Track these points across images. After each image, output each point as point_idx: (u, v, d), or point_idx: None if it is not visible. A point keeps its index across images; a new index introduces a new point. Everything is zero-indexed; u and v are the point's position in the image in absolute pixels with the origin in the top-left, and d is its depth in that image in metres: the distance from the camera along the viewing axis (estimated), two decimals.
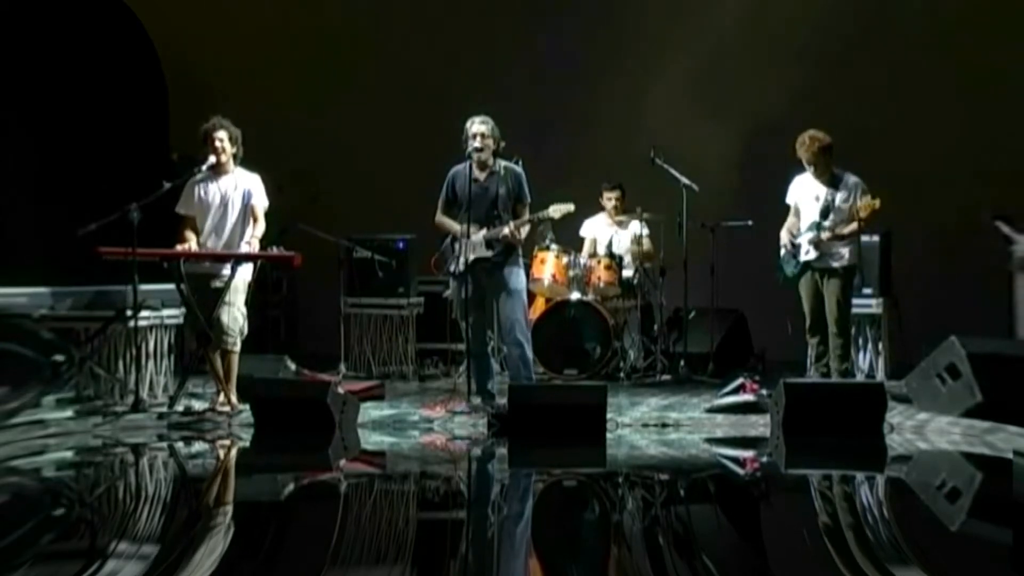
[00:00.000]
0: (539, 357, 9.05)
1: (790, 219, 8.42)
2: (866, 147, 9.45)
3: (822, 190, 8.27)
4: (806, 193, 8.34)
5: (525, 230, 7.86)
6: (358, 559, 5.03)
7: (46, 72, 10.10)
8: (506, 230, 7.69)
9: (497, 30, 11.14)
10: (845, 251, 8.21)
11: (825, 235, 8.19)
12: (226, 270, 7.74)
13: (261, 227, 7.87)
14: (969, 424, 7.43)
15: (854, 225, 8.12)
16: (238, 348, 7.83)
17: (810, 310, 8.36)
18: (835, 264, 8.24)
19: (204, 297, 7.76)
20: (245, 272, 7.82)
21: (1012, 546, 5.17)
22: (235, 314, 7.76)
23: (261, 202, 7.90)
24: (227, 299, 7.72)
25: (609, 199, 9.84)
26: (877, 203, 8.04)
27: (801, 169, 8.34)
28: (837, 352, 8.26)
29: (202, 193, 7.88)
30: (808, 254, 8.28)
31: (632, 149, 9.88)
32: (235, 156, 7.92)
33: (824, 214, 8.22)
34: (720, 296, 9.38)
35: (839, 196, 8.22)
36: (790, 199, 8.43)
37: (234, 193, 7.86)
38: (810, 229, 8.27)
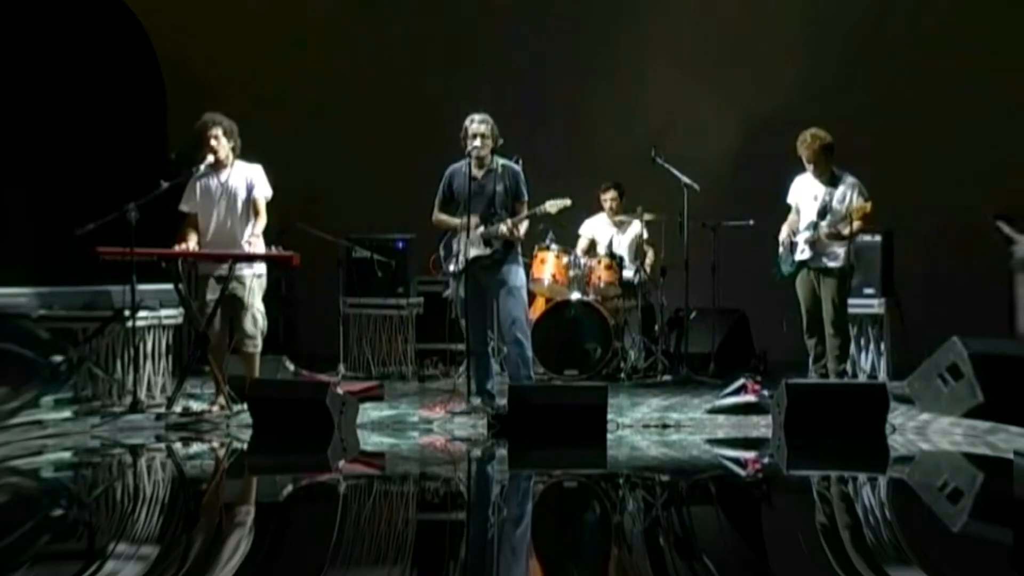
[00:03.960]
0: (539, 357, 9.03)
1: (791, 217, 8.39)
2: (868, 146, 9.43)
3: (821, 189, 8.24)
4: (805, 192, 8.31)
5: (524, 227, 7.81)
6: (357, 561, 5.00)
7: (44, 71, 10.07)
8: (503, 227, 7.65)
9: (496, 29, 11.13)
10: (841, 251, 8.17)
11: (823, 233, 8.16)
12: (240, 267, 7.72)
13: (262, 221, 7.81)
14: (971, 425, 7.42)
15: (856, 224, 8.08)
16: (259, 349, 7.86)
17: (807, 310, 8.33)
18: (831, 264, 8.21)
19: (219, 299, 7.74)
20: (258, 269, 7.82)
21: (1013, 546, 5.14)
22: (255, 315, 7.79)
23: (263, 192, 7.85)
24: (245, 302, 7.72)
25: (606, 199, 9.83)
26: (868, 207, 8.00)
27: (802, 168, 8.31)
28: (835, 353, 8.23)
29: (203, 189, 7.85)
30: (803, 253, 8.25)
31: (633, 148, 9.87)
32: (233, 149, 7.88)
33: (822, 214, 8.19)
34: (721, 296, 9.36)
35: (836, 196, 8.18)
36: (791, 199, 8.40)
37: (236, 185, 7.82)
38: (807, 228, 8.24)
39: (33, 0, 10.34)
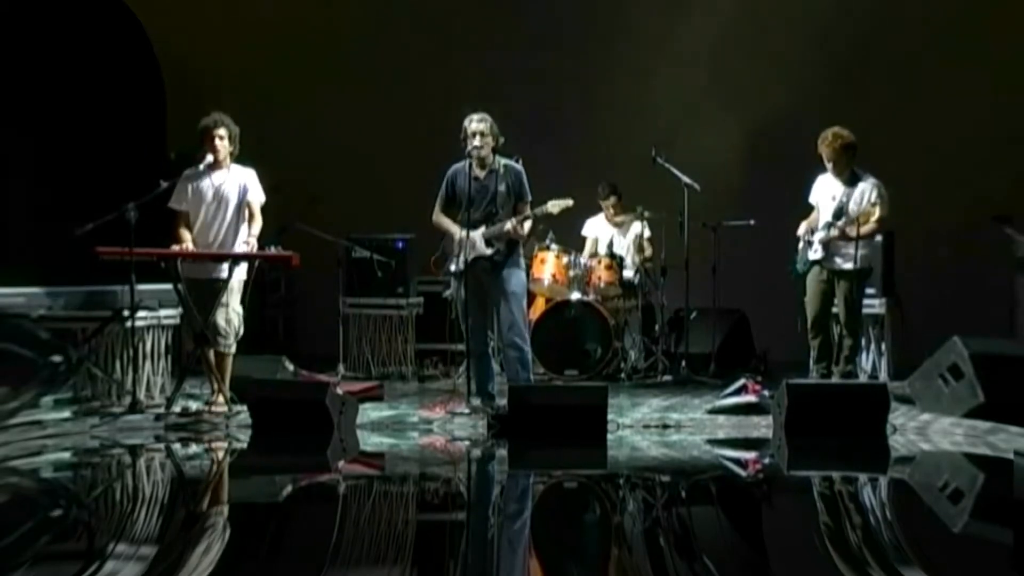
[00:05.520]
0: (539, 357, 9.02)
1: (812, 215, 8.36)
2: (870, 147, 9.40)
3: (839, 189, 8.21)
4: (825, 192, 8.29)
5: (527, 226, 7.78)
6: (357, 561, 4.99)
7: (44, 71, 10.07)
8: (508, 225, 7.62)
9: (497, 28, 11.12)
10: (856, 252, 8.14)
11: (835, 233, 8.13)
12: (222, 270, 7.70)
13: (258, 224, 7.80)
14: (971, 425, 7.41)
15: (865, 227, 8.06)
16: (232, 350, 7.80)
17: (812, 310, 8.31)
18: (846, 266, 8.19)
19: (200, 298, 7.72)
20: (241, 272, 7.78)
21: (1013, 546, 5.14)
22: (230, 315, 7.73)
23: (257, 197, 7.83)
24: (222, 300, 7.69)
25: (606, 206, 9.83)
26: (874, 211, 7.99)
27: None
28: (845, 353, 8.23)
29: (195, 187, 7.81)
30: (816, 253, 8.23)
31: (633, 148, 9.86)
32: (232, 153, 7.87)
33: (837, 215, 8.16)
34: (722, 296, 9.35)
35: (854, 197, 8.15)
36: (812, 198, 8.38)
37: (229, 188, 7.80)
38: (823, 229, 8.22)
39: (33, 1, 10.34)
